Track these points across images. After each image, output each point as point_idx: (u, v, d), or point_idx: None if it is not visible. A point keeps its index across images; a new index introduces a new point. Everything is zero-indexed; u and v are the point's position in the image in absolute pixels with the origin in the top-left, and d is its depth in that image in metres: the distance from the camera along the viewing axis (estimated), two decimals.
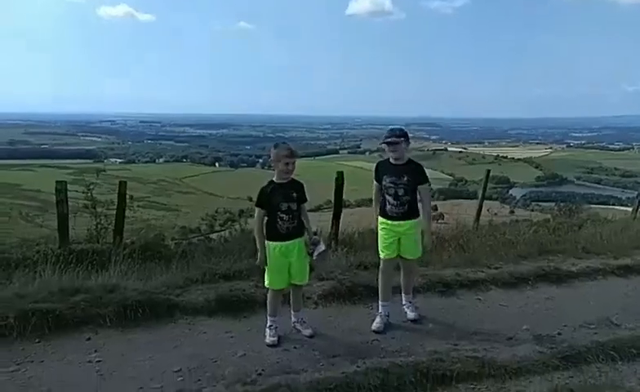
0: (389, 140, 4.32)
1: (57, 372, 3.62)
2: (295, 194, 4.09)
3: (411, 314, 4.68)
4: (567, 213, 10.52)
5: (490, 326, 4.61)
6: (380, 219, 4.52)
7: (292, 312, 4.39)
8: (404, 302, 4.79)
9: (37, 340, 3.99)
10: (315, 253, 4.14)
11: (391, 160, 4.38)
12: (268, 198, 4.06)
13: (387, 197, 4.40)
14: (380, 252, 4.54)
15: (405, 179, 4.33)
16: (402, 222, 4.41)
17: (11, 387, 3.44)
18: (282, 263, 4.10)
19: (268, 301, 4.23)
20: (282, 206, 4.03)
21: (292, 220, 4.09)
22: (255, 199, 4.24)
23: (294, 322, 4.37)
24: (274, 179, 4.11)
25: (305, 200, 4.20)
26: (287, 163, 4.02)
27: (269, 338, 4.14)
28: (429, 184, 4.64)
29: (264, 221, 4.13)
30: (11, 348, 3.87)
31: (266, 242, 4.13)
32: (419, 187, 4.41)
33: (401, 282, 4.75)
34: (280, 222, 4.05)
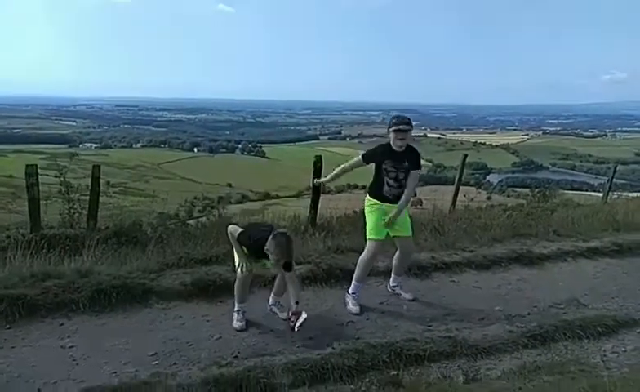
0: (401, 127, 4.34)
1: (29, 358, 3.57)
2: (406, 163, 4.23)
3: (406, 295, 4.81)
4: (541, 198, 10.74)
5: (463, 307, 4.71)
6: (372, 201, 4.53)
7: (272, 294, 4.40)
8: (394, 284, 4.89)
9: (7, 327, 3.92)
10: (298, 324, 3.85)
11: (393, 146, 4.39)
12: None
13: (387, 179, 4.45)
14: (372, 235, 4.49)
15: (405, 164, 4.45)
16: (394, 204, 4.49)
17: None
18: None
19: (236, 288, 4.13)
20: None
21: None
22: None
23: (270, 305, 4.39)
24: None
25: (290, 268, 3.97)
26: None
27: (237, 323, 4.12)
28: (419, 171, 4.67)
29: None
30: None
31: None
32: (412, 171, 4.49)
33: (395, 263, 4.83)
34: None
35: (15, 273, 4.44)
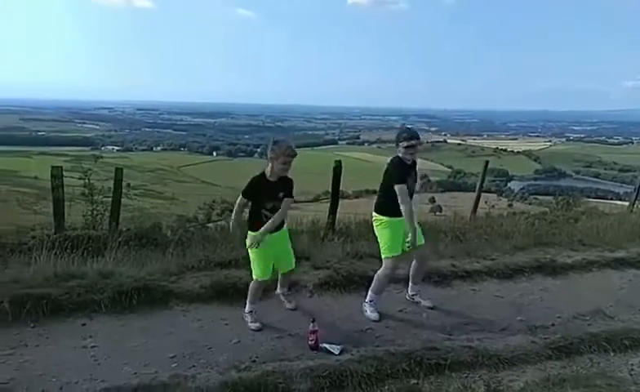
0: (414, 141, 4.29)
1: (52, 357, 3.63)
2: (281, 194, 4.09)
3: (426, 302, 4.77)
4: (565, 206, 10.52)
5: (484, 316, 4.62)
6: (387, 218, 4.38)
7: (279, 285, 4.60)
8: (413, 292, 4.83)
9: (32, 326, 4.00)
10: (331, 348, 3.86)
11: (405, 160, 4.34)
12: (257, 192, 4.07)
13: None
14: (389, 252, 4.38)
15: (416, 174, 4.48)
16: None
17: (5, 370, 3.45)
18: (267, 254, 4.15)
19: (251, 288, 4.24)
20: (267, 204, 4.07)
21: None
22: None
23: (278, 293, 4.59)
24: (267, 174, 4.05)
25: (291, 196, 4.16)
26: (285, 163, 3.99)
27: (253, 324, 4.19)
28: None
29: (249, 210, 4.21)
30: (5, 333, 3.88)
31: (249, 232, 4.14)
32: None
33: (412, 273, 4.78)
34: (264, 219, 4.08)
35: (40, 272, 4.54)
